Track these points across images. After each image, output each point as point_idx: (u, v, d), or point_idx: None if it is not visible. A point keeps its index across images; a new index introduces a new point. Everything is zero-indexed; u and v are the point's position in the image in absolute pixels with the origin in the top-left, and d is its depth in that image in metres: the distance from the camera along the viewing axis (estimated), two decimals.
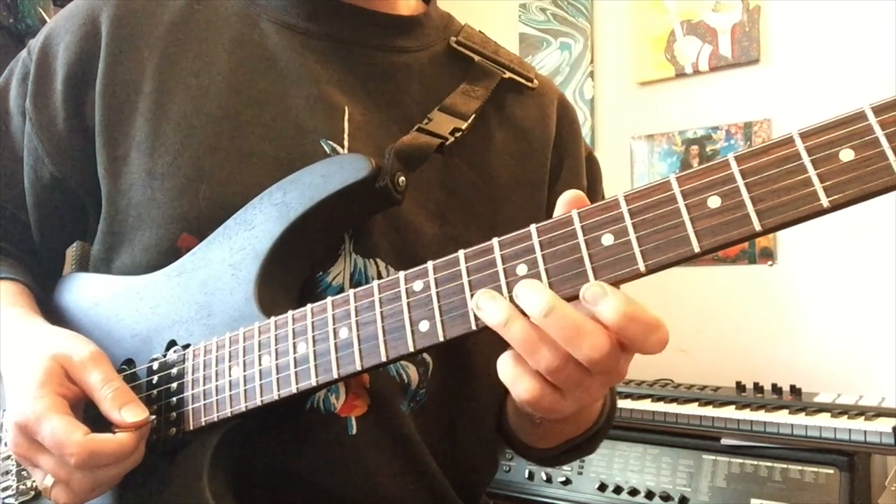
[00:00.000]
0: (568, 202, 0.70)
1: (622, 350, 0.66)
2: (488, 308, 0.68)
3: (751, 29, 2.76)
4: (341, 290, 0.91)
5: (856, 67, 2.54)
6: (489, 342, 0.99)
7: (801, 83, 2.65)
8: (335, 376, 0.77)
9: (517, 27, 3.32)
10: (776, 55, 2.74)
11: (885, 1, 2.48)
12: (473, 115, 1.01)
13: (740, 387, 2.32)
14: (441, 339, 0.72)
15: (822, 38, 2.63)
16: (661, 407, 2.16)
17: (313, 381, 0.78)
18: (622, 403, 2.19)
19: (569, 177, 1.12)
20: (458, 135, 0.99)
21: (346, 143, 0.95)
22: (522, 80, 1.10)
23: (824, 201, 0.57)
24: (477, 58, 1.07)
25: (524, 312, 0.67)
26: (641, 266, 0.63)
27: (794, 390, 2.21)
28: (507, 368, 0.69)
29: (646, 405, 2.18)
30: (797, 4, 2.69)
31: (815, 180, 0.57)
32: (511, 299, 0.68)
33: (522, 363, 0.68)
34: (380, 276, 0.93)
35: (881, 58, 2.47)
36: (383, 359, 0.75)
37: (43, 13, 2.23)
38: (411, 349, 0.73)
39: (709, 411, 2.07)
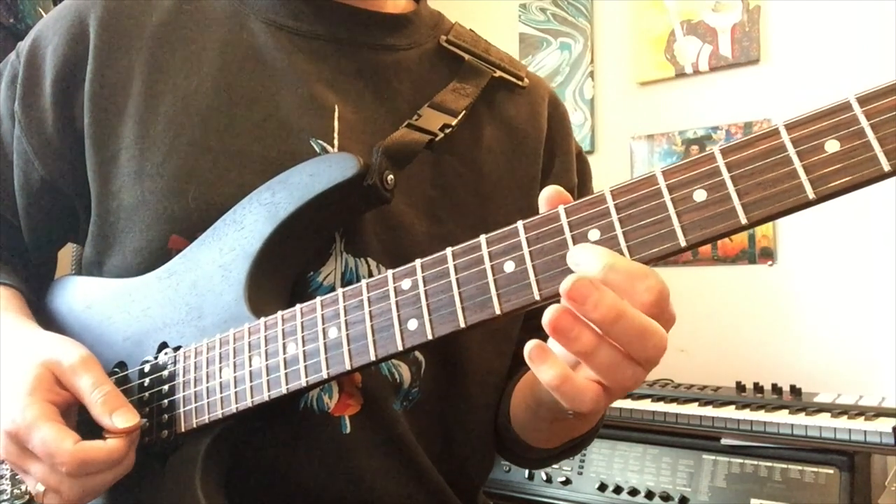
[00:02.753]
0: (549, 199, 0.70)
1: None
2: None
3: (751, 29, 2.76)
4: (332, 289, 0.91)
5: (856, 68, 2.54)
6: (481, 340, 1.00)
7: (801, 83, 2.65)
8: (325, 376, 0.77)
9: (517, 27, 3.32)
10: (776, 55, 2.74)
11: (885, 1, 2.48)
12: (463, 112, 1.01)
13: (740, 387, 2.31)
14: (430, 337, 0.71)
15: (822, 38, 2.63)
16: (661, 407, 2.16)
17: (303, 382, 0.78)
18: (622, 403, 2.19)
19: (560, 172, 1.12)
20: (447, 131, 0.98)
21: (336, 141, 0.95)
22: (513, 79, 1.10)
23: (810, 193, 0.57)
24: (467, 56, 1.07)
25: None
26: None
27: (794, 390, 2.21)
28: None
29: (646, 405, 2.18)
30: (797, 4, 2.68)
31: (801, 172, 0.57)
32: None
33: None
34: (370, 276, 0.92)
35: (881, 58, 2.46)
36: (372, 358, 0.74)
37: (43, 13, 2.23)
38: (400, 348, 0.73)
39: (709, 411, 2.07)
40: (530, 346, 0.66)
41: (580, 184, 1.15)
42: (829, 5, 2.62)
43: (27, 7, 2.21)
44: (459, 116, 1.00)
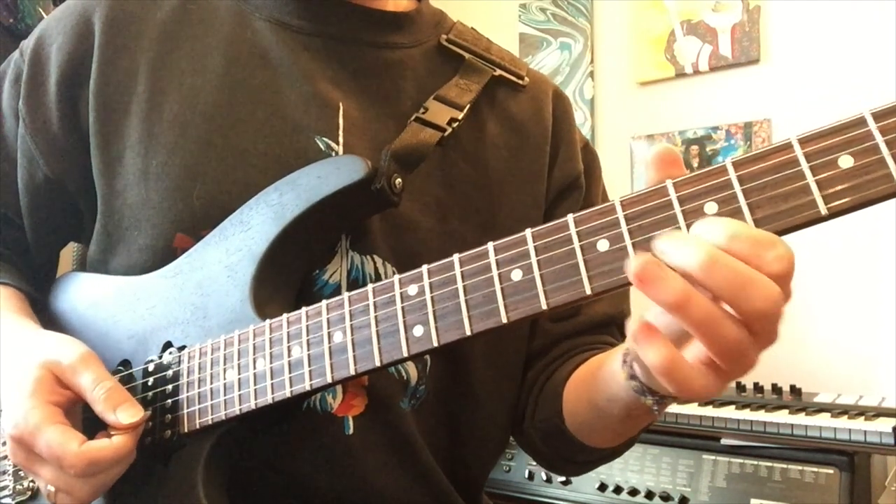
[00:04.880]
0: (656, 160, 0.65)
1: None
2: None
3: (751, 29, 2.75)
4: (338, 287, 0.91)
5: (856, 67, 2.53)
6: (487, 338, 0.99)
7: (801, 83, 2.65)
8: (329, 380, 0.77)
9: (517, 27, 3.31)
10: (776, 55, 2.73)
11: (886, 1, 2.47)
12: (468, 107, 1.01)
13: (740, 387, 2.31)
14: (435, 344, 0.71)
15: (822, 38, 2.63)
16: None
17: (307, 385, 0.78)
18: None
19: (564, 161, 1.12)
20: (454, 125, 0.99)
21: (341, 139, 0.95)
22: (513, 78, 1.10)
23: (822, 209, 0.56)
24: (467, 56, 1.08)
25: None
26: None
27: (794, 390, 2.20)
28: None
29: None
30: (797, 4, 2.68)
31: (814, 187, 0.56)
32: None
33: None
34: (377, 273, 0.93)
35: (881, 58, 2.46)
36: (377, 363, 0.74)
37: (43, 13, 2.23)
38: (405, 354, 0.73)
39: (709, 411, 2.06)
40: (636, 325, 0.61)
41: (588, 175, 1.15)
42: (829, 5, 2.62)
43: (27, 7, 2.21)
44: (465, 110, 1.01)
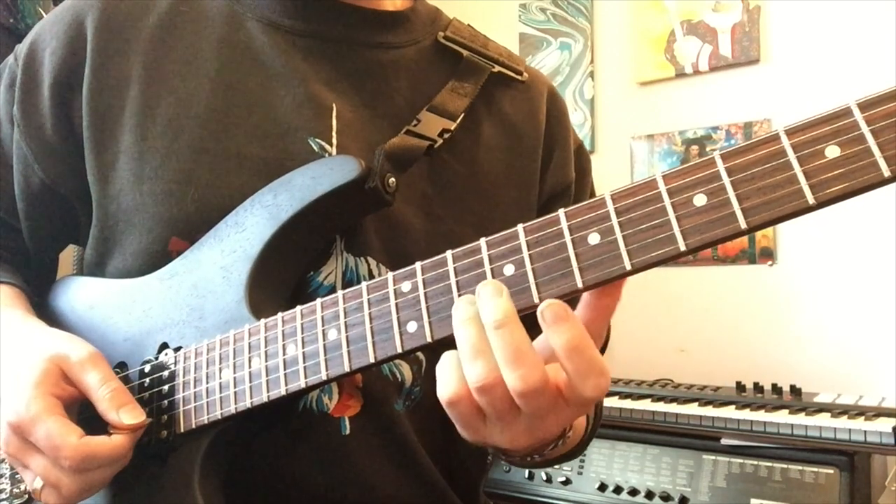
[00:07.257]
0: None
1: (561, 399, 0.66)
2: (458, 307, 0.68)
3: (751, 29, 2.76)
4: (333, 289, 0.91)
5: (856, 67, 2.54)
6: None
7: (801, 83, 2.65)
8: (324, 378, 0.77)
9: (517, 27, 3.32)
10: (776, 55, 2.74)
11: (885, 1, 2.48)
12: (462, 114, 1.01)
13: (740, 387, 2.31)
14: (429, 339, 0.71)
15: (822, 38, 2.63)
16: (661, 407, 2.16)
17: (302, 383, 0.78)
18: (622, 403, 2.20)
19: (558, 167, 1.11)
20: (446, 136, 0.98)
21: (334, 140, 0.95)
22: (512, 74, 1.09)
23: (810, 198, 0.57)
24: (465, 53, 1.07)
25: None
26: (627, 265, 0.63)
27: (794, 390, 2.21)
28: (444, 363, 0.68)
29: (646, 405, 2.18)
30: (797, 4, 2.68)
31: (801, 177, 0.57)
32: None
33: (459, 366, 0.67)
34: (371, 274, 0.93)
35: (881, 58, 2.47)
36: (371, 360, 0.74)
37: (43, 13, 2.23)
38: (399, 350, 0.73)
39: (709, 411, 2.07)
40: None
41: (578, 177, 1.15)
42: (829, 5, 2.62)
43: (27, 7, 2.21)
44: (458, 120, 1.00)
